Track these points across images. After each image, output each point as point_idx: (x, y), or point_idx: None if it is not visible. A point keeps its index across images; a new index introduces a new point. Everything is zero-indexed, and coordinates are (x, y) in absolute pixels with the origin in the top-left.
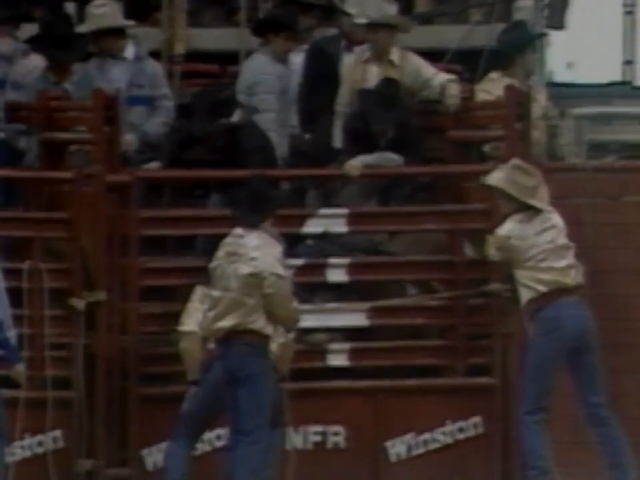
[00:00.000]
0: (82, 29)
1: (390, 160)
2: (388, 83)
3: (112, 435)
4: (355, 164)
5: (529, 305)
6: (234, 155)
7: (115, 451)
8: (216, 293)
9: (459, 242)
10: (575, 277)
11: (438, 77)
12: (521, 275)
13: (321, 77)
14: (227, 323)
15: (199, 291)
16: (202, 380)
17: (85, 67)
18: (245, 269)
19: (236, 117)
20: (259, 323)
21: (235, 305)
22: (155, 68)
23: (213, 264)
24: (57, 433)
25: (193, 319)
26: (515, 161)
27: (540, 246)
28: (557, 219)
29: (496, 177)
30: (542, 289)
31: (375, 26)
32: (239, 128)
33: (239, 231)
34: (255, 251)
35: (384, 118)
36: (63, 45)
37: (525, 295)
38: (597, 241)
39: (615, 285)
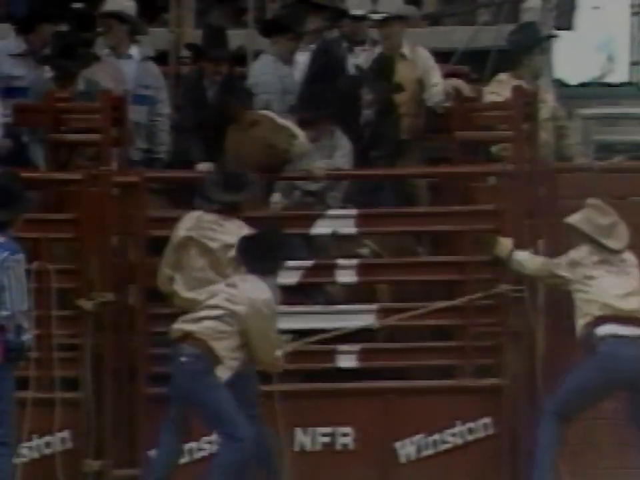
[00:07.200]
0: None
1: None
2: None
3: (120, 436)
4: (321, 165)
5: (585, 328)
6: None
7: (123, 452)
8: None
9: (467, 242)
10: (632, 304)
11: (438, 83)
12: (579, 297)
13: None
14: None
15: None
16: None
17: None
18: None
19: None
20: None
21: None
22: (158, 71)
23: None
24: (65, 433)
25: None
26: (591, 200)
27: (606, 281)
28: (632, 261)
29: (574, 218)
30: (597, 313)
31: (389, 20)
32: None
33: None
34: None
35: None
36: (69, 54)
37: (580, 320)
38: None
39: None
